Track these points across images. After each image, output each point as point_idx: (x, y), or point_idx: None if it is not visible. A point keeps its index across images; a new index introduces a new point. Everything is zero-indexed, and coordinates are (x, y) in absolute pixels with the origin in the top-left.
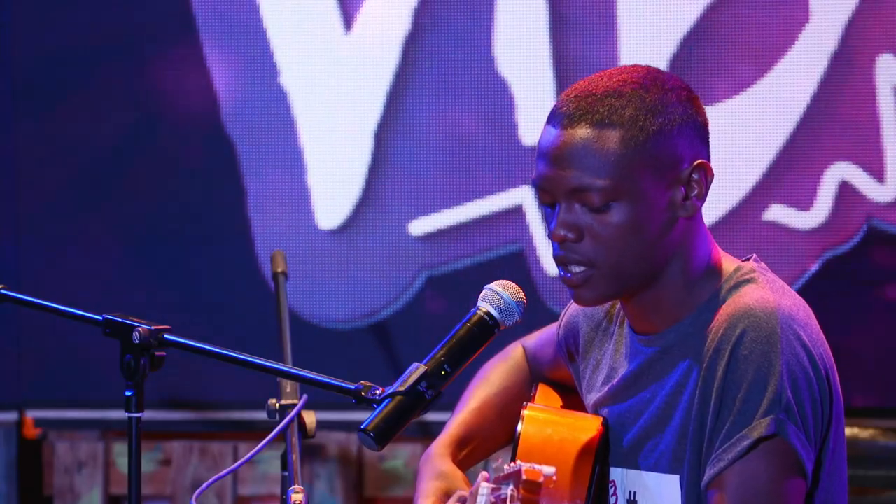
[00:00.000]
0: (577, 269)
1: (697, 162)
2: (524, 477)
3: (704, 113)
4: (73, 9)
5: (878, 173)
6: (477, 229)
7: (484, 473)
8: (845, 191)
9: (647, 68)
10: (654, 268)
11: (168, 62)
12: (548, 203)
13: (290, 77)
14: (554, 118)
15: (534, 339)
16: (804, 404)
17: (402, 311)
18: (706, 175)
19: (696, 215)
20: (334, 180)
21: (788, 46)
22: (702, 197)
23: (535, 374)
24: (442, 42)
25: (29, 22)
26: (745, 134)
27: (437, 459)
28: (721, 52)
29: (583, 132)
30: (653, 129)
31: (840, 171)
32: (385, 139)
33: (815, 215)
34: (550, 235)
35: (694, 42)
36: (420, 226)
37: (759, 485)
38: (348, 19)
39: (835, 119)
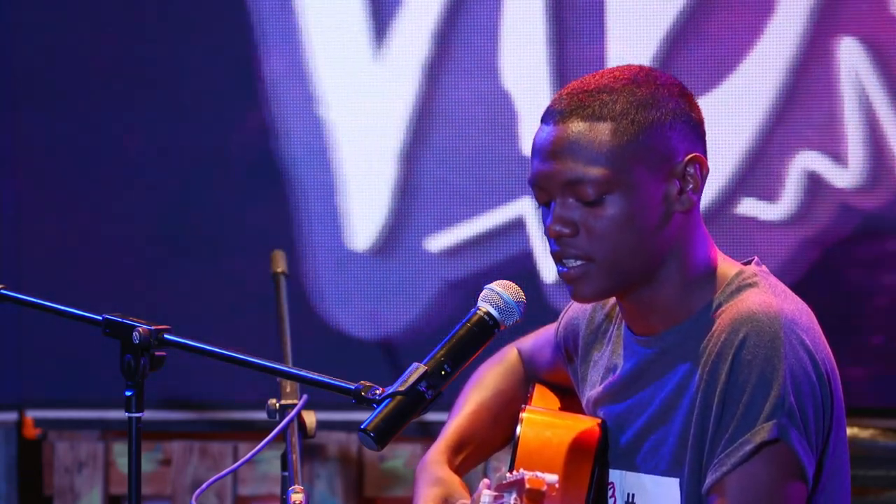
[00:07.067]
0: (574, 262)
1: (691, 155)
2: (527, 486)
3: (699, 110)
4: (74, 7)
5: (842, 159)
6: (486, 241)
7: (485, 481)
8: (812, 180)
9: (640, 66)
10: (650, 263)
11: (162, 56)
12: (544, 202)
13: (324, 104)
14: (547, 116)
15: (529, 340)
16: (807, 409)
17: (424, 327)
18: (701, 169)
19: (693, 212)
20: (363, 202)
21: (755, 41)
22: (697, 191)
23: (530, 376)
24: (459, 68)
25: (31, 20)
26: (716, 130)
27: (434, 466)
28: (697, 50)
29: (575, 126)
30: (644, 122)
31: (805, 160)
32: (404, 161)
33: (784, 206)
34: (546, 232)
35: (671, 42)
36: (438, 242)
37: (761, 489)
38: (378, 46)
39: (798, 107)
